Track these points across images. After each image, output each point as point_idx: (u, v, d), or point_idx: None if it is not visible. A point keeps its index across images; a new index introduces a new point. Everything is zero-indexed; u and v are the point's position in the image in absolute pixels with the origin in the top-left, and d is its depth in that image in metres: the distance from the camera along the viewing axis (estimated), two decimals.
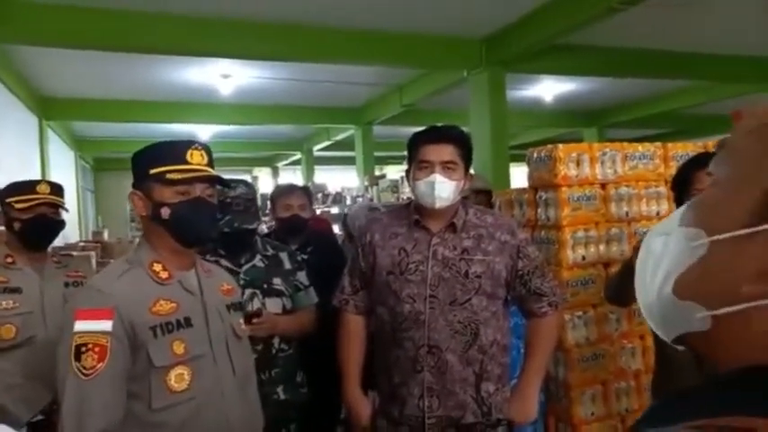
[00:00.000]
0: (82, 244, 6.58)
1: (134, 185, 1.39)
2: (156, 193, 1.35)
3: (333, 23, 5.23)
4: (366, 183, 8.44)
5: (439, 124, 1.83)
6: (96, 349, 1.22)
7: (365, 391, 1.93)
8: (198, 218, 1.37)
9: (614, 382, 2.63)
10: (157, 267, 1.37)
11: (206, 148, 1.40)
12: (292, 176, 15.93)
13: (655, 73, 6.81)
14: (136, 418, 1.28)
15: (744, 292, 0.40)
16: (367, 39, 5.47)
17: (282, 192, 2.75)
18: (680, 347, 0.49)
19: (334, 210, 8.46)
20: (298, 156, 13.66)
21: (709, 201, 0.45)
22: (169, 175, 1.32)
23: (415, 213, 1.79)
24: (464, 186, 1.77)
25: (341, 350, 1.92)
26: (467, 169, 1.77)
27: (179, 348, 1.31)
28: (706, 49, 6.47)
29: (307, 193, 2.80)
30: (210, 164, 1.40)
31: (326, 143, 11.53)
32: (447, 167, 1.71)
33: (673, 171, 2.73)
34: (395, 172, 10.58)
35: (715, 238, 0.42)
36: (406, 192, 7.64)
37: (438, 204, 1.71)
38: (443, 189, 1.70)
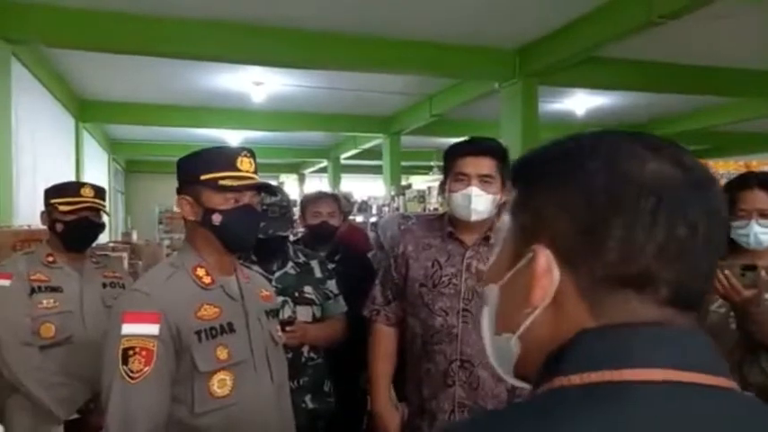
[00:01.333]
0: (112, 244, 6.69)
1: (181, 190, 1.41)
2: (206, 199, 1.36)
3: (365, 32, 5.25)
4: (393, 192, 8.44)
5: (476, 136, 1.80)
6: (143, 353, 1.23)
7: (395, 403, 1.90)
8: (247, 225, 1.40)
9: None
10: (201, 272, 1.38)
11: (253, 155, 1.42)
12: (318, 184, 16.02)
13: (691, 88, 6.67)
14: (178, 422, 1.29)
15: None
16: (399, 47, 5.48)
17: (312, 199, 2.75)
18: (524, 384, 0.57)
19: (360, 218, 8.47)
20: (324, 163, 13.74)
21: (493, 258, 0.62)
22: (222, 182, 1.34)
23: (450, 225, 1.76)
24: (501, 200, 1.74)
25: (371, 361, 1.90)
26: (504, 182, 1.74)
27: (222, 353, 1.32)
28: (746, 65, 6.32)
29: (336, 200, 2.80)
30: (256, 170, 1.42)
31: (354, 151, 11.57)
32: (484, 181, 1.69)
33: None
34: (421, 182, 10.54)
35: (494, 286, 0.59)
36: (432, 202, 7.61)
37: (474, 217, 1.69)
38: (480, 202, 1.68)
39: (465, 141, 1.77)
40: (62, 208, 1.96)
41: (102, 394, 1.26)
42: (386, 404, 1.86)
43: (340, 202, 2.85)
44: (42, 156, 5.83)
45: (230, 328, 1.35)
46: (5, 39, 4.41)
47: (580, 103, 8.30)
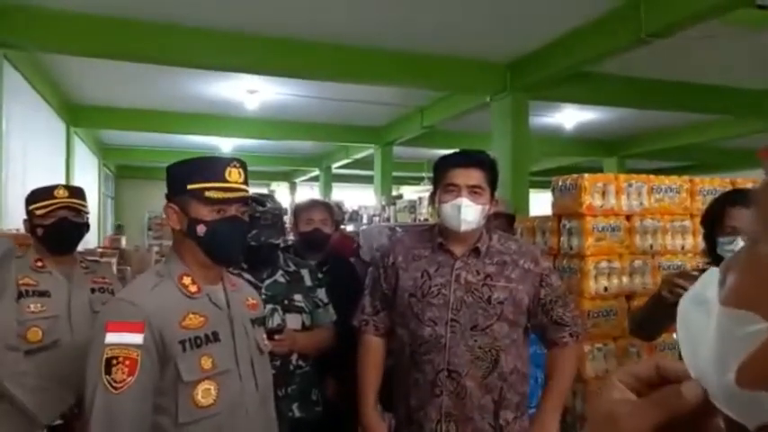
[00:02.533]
0: (100, 250, 6.65)
1: (168, 197, 1.40)
2: (192, 209, 1.36)
3: (359, 43, 5.30)
4: (383, 202, 8.46)
5: (466, 148, 1.84)
6: (127, 362, 1.22)
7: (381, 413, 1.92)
8: (232, 237, 1.38)
9: None
10: (187, 281, 1.37)
11: (243, 166, 1.41)
12: (310, 192, 16.01)
13: (679, 105, 6.78)
14: (163, 431, 1.28)
15: None
16: (392, 59, 5.53)
17: (305, 206, 2.76)
18: None
19: (350, 227, 8.48)
20: (316, 172, 13.75)
21: (754, 276, 0.39)
22: (208, 193, 1.33)
23: (440, 236, 1.79)
24: (489, 211, 1.77)
25: (359, 371, 1.91)
26: (492, 194, 1.78)
27: (207, 363, 1.31)
28: (732, 83, 6.44)
29: (329, 208, 2.81)
30: (246, 181, 1.41)
31: (345, 161, 11.60)
32: (474, 192, 1.72)
33: (699, 205, 2.71)
34: (412, 192, 10.59)
35: None
36: (423, 212, 7.64)
37: (463, 228, 1.72)
38: (469, 213, 1.71)
39: (455, 153, 1.80)
40: (38, 212, 1.96)
41: (85, 403, 1.25)
42: (373, 414, 1.86)
43: (332, 211, 2.86)
44: (32, 160, 5.80)
45: (215, 338, 1.34)
46: None
47: (569, 117, 8.40)
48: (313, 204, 2.77)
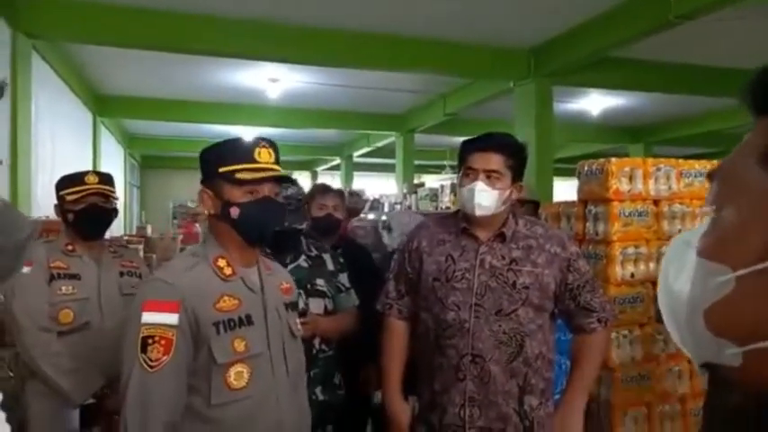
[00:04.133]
0: (126, 238, 6.78)
1: (203, 183, 1.40)
2: (225, 192, 1.36)
3: (380, 30, 5.27)
4: (405, 190, 8.44)
5: (490, 131, 1.81)
6: (162, 342, 1.23)
7: (405, 396, 1.92)
8: (266, 217, 1.38)
9: (659, 404, 2.55)
10: (222, 263, 1.37)
11: (273, 146, 1.40)
12: (331, 181, 16.05)
13: (708, 90, 6.61)
14: (195, 412, 1.29)
15: None
16: (414, 46, 5.49)
17: (317, 192, 2.78)
18: (703, 372, 0.49)
19: (371, 216, 8.48)
20: (337, 161, 13.77)
21: (728, 236, 0.44)
22: (239, 175, 1.32)
23: (464, 221, 1.77)
24: (510, 196, 1.74)
25: (383, 355, 1.91)
26: (514, 179, 1.74)
27: (240, 346, 1.31)
28: (762, 67, 6.25)
29: (341, 195, 2.82)
30: (277, 161, 1.40)
31: (367, 149, 11.59)
32: (491, 176, 1.70)
33: None
34: (434, 181, 10.54)
35: (740, 273, 0.42)
36: (444, 201, 7.61)
37: (478, 212, 1.70)
38: (483, 197, 1.68)
39: (477, 137, 1.77)
40: (69, 198, 2.01)
41: (121, 381, 1.27)
42: (397, 397, 1.87)
43: (344, 197, 2.87)
44: (61, 150, 5.92)
45: (248, 321, 1.35)
46: (27, 33, 4.49)
47: (595, 103, 8.25)
48: (325, 190, 2.78)
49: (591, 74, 5.82)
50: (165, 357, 1.23)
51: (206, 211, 1.41)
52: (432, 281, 1.76)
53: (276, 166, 1.39)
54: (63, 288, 1.93)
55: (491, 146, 1.72)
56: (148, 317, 1.25)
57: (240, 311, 1.34)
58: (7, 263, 0.63)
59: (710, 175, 0.49)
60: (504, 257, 1.72)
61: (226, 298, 1.33)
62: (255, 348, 1.35)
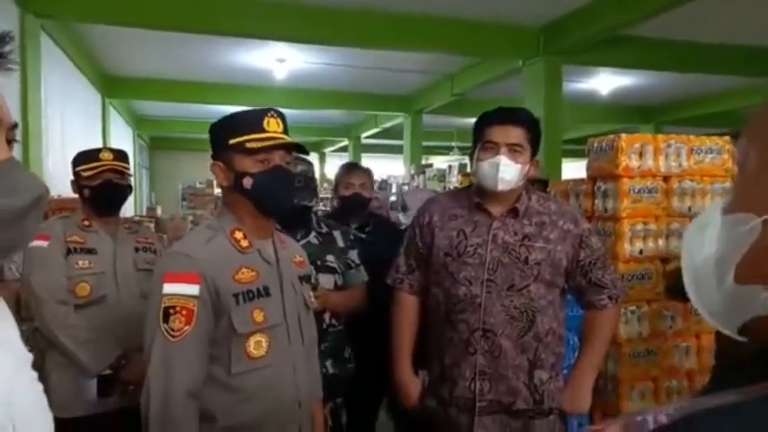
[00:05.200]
0: (137, 218, 6.84)
1: (214, 156, 1.41)
2: (237, 163, 1.36)
3: (387, 9, 5.22)
4: (413, 171, 8.44)
5: (506, 106, 1.80)
6: (184, 312, 1.26)
7: (415, 370, 1.94)
8: (279, 186, 1.39)
9: (665, 379, 2.57)
10: (239, 235, 1.38)
11: (281, 116, 1.41)
12: (339, 163, 16.05)
13: (720, 68, 6.52)
14: (216, 381, 1.32)
15: None
16: (421, 25, 5.44)
17: (344, 170, 2.79)
18: (743, 339, 0.48)
19: (379, 197, 8.48)
20: (345, 142, 13.75)
21: (750, 184, 0.45)
22: (249, 144, 1.33)
23: (477, 196, 1.76)
24: (528, 171, 1.73)
25: (393, 329, 1.93)
26: (533, 154, 1.74)
27: (258, 316, 1.34)
28: None
29: (369, 173, 2.82)
30: (286, 131, 1.41)
31: (374, 130, 11.56)
32: (513, 150, 1.68)
33: None
34: (441, 162, 10.50)
35: (766, 217, 0.43)
36: (452, 181, 7.60)
37: (500, 187, 1.69)
38: (507, 171, 1.67)
39: (495, 110, 1.76)
40: (85, 174, 2.02)
41: (144, 352, 1.30)
42: (407, 371, 1.89)
43: (372, 175, 2.87)
44: (70, 131, 5.95)
45: (266, 292, 1.37)
46: (35, 13, 4.49)
47: (605, 82, 8.17)
48: (353, 168, 2.79)
49: (601, 52, 5.76)
50: (186, 327, 1.25)
51: (220, 185, 1.42)
52: (443, 256, 1.77)
53: (284, 135, 1.39)
54: (80, 262, 1.96)
55: (512, 119, 1.71)
56: (169, 288, 1.27)
57: (258, 283, 1.36)
58: (9, 233, 0.59)
59: (736, 136, 0.50)
60: (516, 233, 1.72)
61: (244, 270, 1.35)
62: (273, 319, 1.37)
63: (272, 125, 1.37)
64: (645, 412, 0.38)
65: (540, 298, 1.70)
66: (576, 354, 1.93)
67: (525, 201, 1.75)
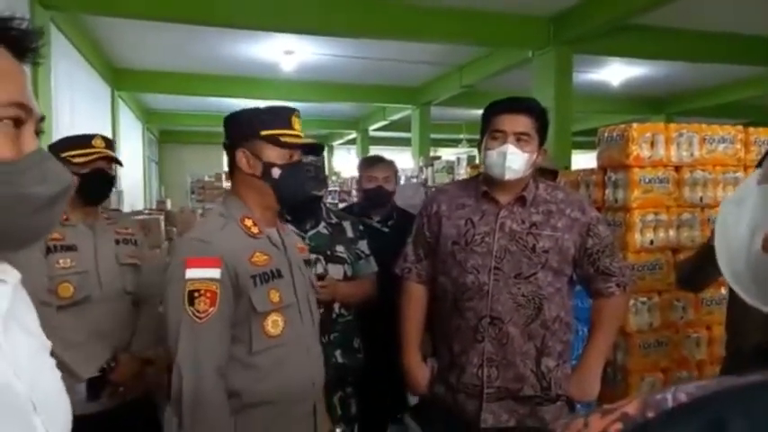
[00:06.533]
0: (147, 211, 6.88)
1: (235, 145, 1.46)
2: (266, 154, 1.44)
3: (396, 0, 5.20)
4: (421, 163, 8.42)
5: (514, 95, 1.79)
6: (208, 294, 1.33)
7: (424, 359, 1.95)
8: (301, 180, 1.50)
9: (675, 370, 2.56)
10: (249, 222, 1.46)
11: (299, 116, 1.51)
12: (347, 155, 16.07)
13: (732, 58, 6.44)
14: (237, 360, 1.39)
15: None
16: (430, 15, 5.41)
17: (368, 163, 2.79)
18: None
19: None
20: (353, 135, 13.75)
21: None
22: (283, 139, 1.43)
23: (484, 185, 1.77)
24: (536, 160, 1.73)
25: (401, 317, 1.94)
26: (541, 143, 1.73)
27: (275, 297, 1.41)
28: None
29: (392, 166, 2.82)
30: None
31: (382, 123, 11.55)
32: (520, 139, 1.68)
33: (754, 156, 2.59)
34: (450, 154, 10.48)
35: None
36: (461, 173, 7.58)
37: (507, 176, 1.69)
38: (514, 160, 1.67)
39: (502, 99, 1.76)
40: (76, 160, 1.87)
41: (169, 341, 1.35)
42: (416, 359, 1.90)
43: (395, 168, 2.87)
44: (80, 123, 5.98)
45: (279, 274, 1.44)
46: (44, 5, 4.51)
47: (616, 73, 8.10)
48: (376, 161, 2.78)
49: (611, 42, 5.71)
50: (211, 309, 1.32)
51: (241, 171, 1.47)
52: (451, 244, 1.77)
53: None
54: (61, 261, 1.83)
55: (520, 108, 1.71)
56: (192, 272, 1.33)
57: (272, 266, 1.44)
58: (37, 220, 0.62)
59: (749, 126, 0.54)
60: (524, 221, 1.72)
61: (258, 254, 1.42)
62: (287, 299, 1.45)
63: (296, 124, 1.48)
64: (664, 391, 0.38)
65: (547, 285, 1.70)
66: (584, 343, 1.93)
67: (533, 189, 1.75)
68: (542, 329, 1.71)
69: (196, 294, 1.32)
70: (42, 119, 0.65)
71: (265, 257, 1.43)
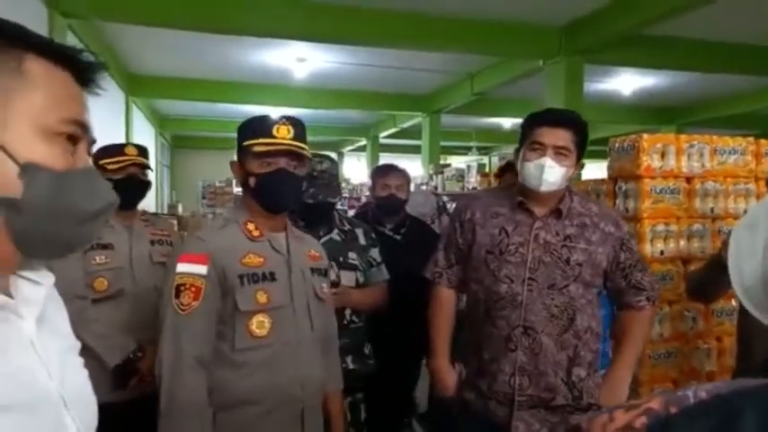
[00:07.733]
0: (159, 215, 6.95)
1: (238, 155, 1.56)
2: (247, 164, 1.51)
3: (408, 8, 5.24)
4: (431, 171, 8.43)
5: (556, 107, 1.81)
6: (192, 289, 1.41)
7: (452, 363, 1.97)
8: (279, 187, 1.50)
9: (686, 382, 2.55)
10: (251, 226, 1.53)
11: (294, 124, 1.51)
12: (357, 163, 16.11)
13: (744, 68, 6.42)
14: (222, 356, 1.45)
15: None
16: (442, 24, 5.44)
17: (381, 171, 2.82)
18: None
19: None
20: (363, 142, 13.79)
21: None
22: (255, 148, 1.47)
23: (520, 195, 1.78)
24: (573, 174, 1.75)
25: (431, 321, 1.96)
26: (579, 157, 1.75)
27: (262, 298, 1.46)
28: None
29: (405, 174, 2.84)
30: (298, 137, 1.50)
31: (393, 130, 11.58)
32: (559, 152, 1.69)
33: (765, 168, 2.60)
34: (460, 162, 10.49)
35: None
36: (471, 181, 7.58)
37: (544, 188, 1.70)
38: (552, 174, 1.68)
39: (544, 111, 1.78)
40: (110, 167, 2.06)
41: (158, 323, 1.45)
42: (445, 363, 1.92)
43: (408, 176, 2.89)
44: (95, 127, 6.05)
45: (271, 277, 1.49)
46: (62, 13, 4.59)
47: (627, 82, 8.09)
48: (389, 170, 2.81)
49: (623, 52, 5.70)
50: (194, 302, 1.40)
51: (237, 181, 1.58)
52: (484, 253, 1.79)
53: (294, 142, 1.49)
54: (97, 258, 2.00)
55: (560, 121, 1.72)
56: (182, 267, 1.43)
57: (264, 268, 1.48)
58: (80, 232, 0.66)
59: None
60: (558, 234, 1.73)
61: (251, 255, 1.48)
62: (277, 301, 1.48)
63: (282, 132, 1.48)
64: (685, 389, 0.41)
65: (579, 297, 1.73)
66: (611, 352, 1.95)
67: (568, 202, 1.76)
68: (575, 339, 1.73)
69: (182, 288, 1.40)
70: (94, 142, 0.70)
71: (259, 259, 1.48)
